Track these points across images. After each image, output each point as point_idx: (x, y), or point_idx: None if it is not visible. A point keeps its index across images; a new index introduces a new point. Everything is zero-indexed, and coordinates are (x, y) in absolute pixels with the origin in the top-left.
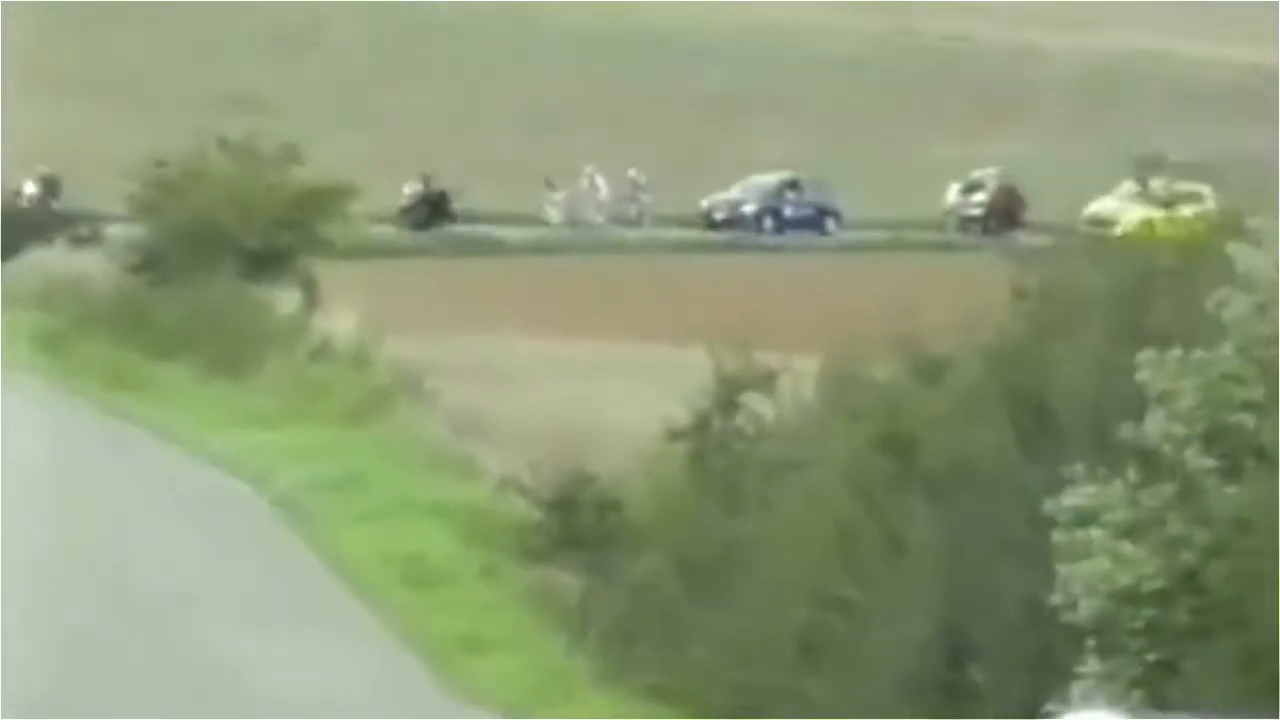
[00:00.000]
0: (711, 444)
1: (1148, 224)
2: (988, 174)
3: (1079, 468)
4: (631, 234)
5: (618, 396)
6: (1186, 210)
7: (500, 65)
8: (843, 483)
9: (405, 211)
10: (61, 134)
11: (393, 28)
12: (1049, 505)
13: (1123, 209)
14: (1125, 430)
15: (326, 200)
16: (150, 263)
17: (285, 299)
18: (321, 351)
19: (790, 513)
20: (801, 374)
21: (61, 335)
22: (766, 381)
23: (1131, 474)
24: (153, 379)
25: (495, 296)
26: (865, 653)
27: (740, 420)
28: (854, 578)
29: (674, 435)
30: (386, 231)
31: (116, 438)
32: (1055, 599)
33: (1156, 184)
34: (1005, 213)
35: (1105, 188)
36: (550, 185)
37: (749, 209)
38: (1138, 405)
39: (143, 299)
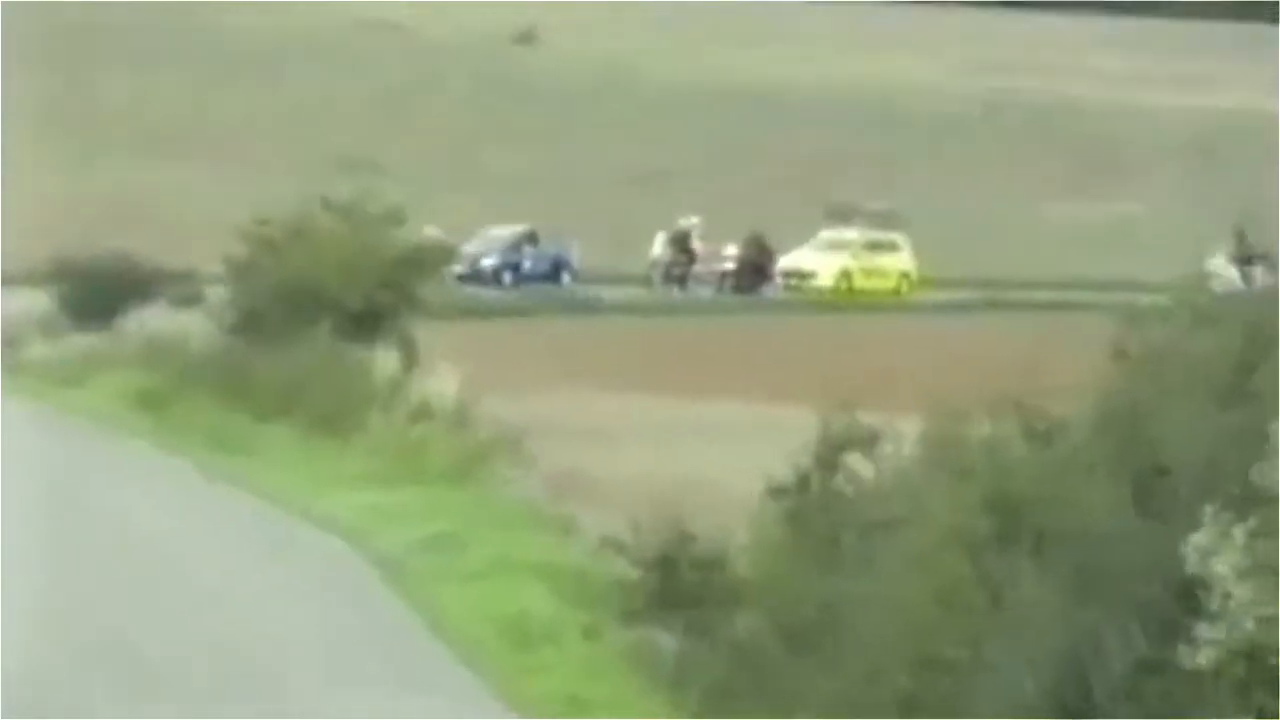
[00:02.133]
0: (812, 503)
1: (845, 275)
2: (692, 223)
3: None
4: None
5: (717, 455)
6: (884, 260)
7: (604, 122)
8: (946, 542)
9: None
10: (166, 194)
11: (498, 86)
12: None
13: (820, 260)
14: (1254, 474)
15: (428, 261)
16: (250, 323)
17: (385, 359)
18: (421, 412)
19: (893, 572)
20: (901, 434)
21: (163, 395)
22: (869, 441)
23: (1251, 522)
24: (254, 440)
25: (596, 356)
26: (969, 713)
27: (840, 479)
28: (958, 637)
29: (776, 493)
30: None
31: (217, 499)
32: (1173, 651)
33: (852, 234)
34: (756, 267)
35: (1211, 246)
36: None
37: (488, 262)
38: (1246, 463)
39: (243, 359)
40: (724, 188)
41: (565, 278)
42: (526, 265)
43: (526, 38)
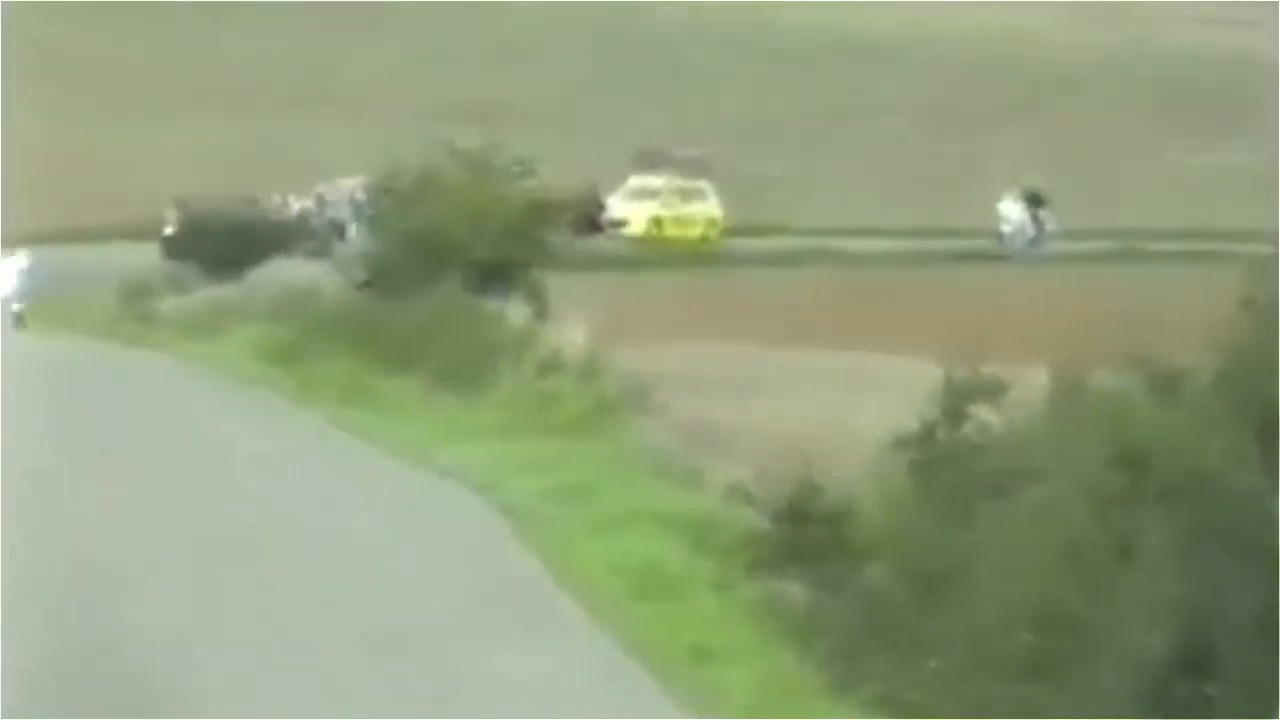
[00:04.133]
0: (938, 454)
1: (656, 222)
2: None
3: None
4: (852, 245)
5: (847, 406)
6: (692, 207)
7: (726, 73)
8: (1072, 494)
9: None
10: (288, 145)
11: (617, 36)
12: None
13: (630, 208)
14: None
15: (556, 212)
16: (379, 274)
17: (514, 311)
18: (551, 364)
19: (1019, 524)
20: (1030, 385)
21: (293, 347)
22: (995, 391)
23: None
24: (383, 392)
25: (724, 307)
26: (1096, 665)
27: (968, 430)
28: (1084, 590)
29: (900, 444)
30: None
31: (346, 450)
32: None
33: (659, 181)
34: (588, 218)
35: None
36: (178, 205)
37: (340, 214)
38: None
39: (373, 311)
40: (846, 141)
41: None
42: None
43: None
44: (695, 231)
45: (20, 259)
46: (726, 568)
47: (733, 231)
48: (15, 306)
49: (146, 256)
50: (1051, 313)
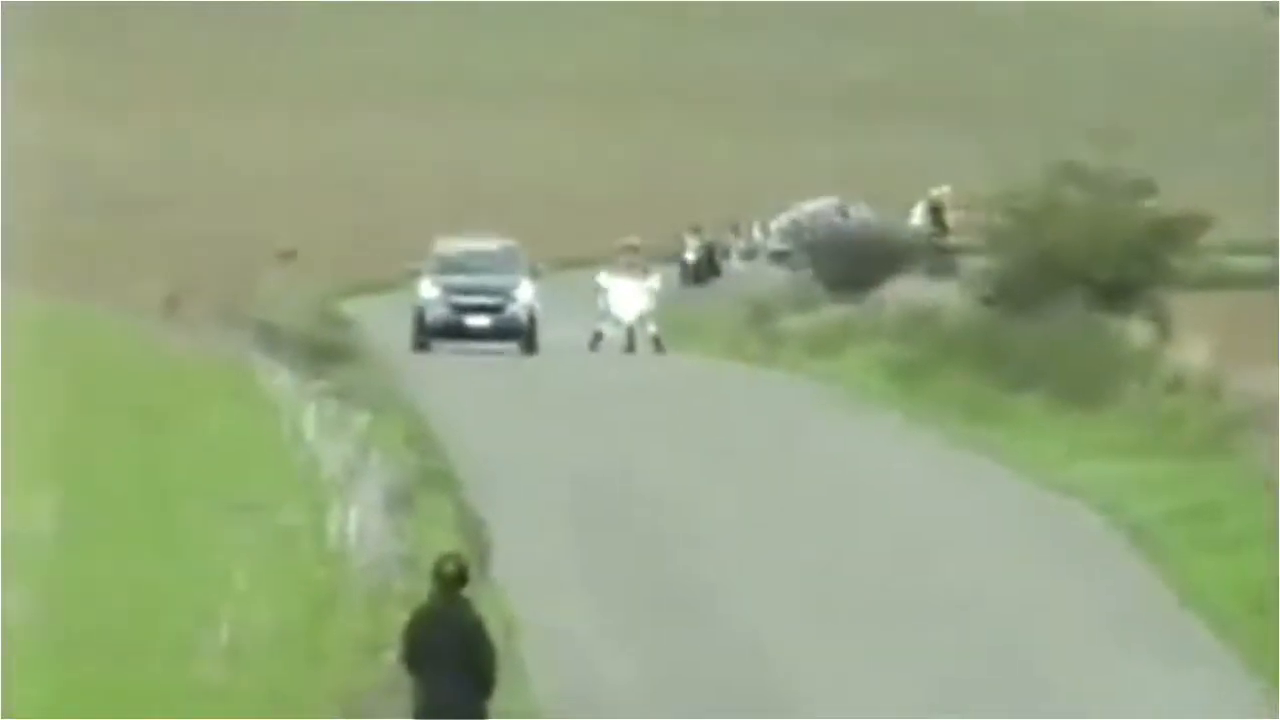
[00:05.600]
0: None
1: None
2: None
3: None
4: None
5: None
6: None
7: None
8: None
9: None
10: (911, 160)
11: (1247, 57)
12: None
13: None
14: None
15: (1181, 232)
16: (1003, 294)
17: (1137, 330)
18: (1174, 383)
19: None
20: None
21: (915, 365)
22: None
23: None
24: (1006, 410)
25: None
26: None
27: None
28: None
29: None
30: (1236, 262)
31: (967, 467)
32: None
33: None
34: None
35: None
36: (693, 231)
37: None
38: None
39: (996, 329)
40: None
41: None
42: None
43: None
44: None
45: (653, 280)
46: None
47: None
48: (651, 329)
49: (773, 276)
50: None
